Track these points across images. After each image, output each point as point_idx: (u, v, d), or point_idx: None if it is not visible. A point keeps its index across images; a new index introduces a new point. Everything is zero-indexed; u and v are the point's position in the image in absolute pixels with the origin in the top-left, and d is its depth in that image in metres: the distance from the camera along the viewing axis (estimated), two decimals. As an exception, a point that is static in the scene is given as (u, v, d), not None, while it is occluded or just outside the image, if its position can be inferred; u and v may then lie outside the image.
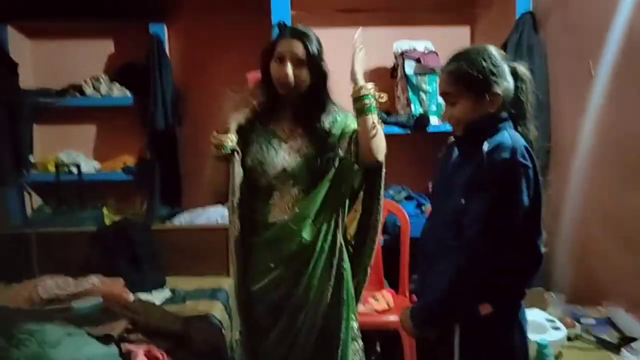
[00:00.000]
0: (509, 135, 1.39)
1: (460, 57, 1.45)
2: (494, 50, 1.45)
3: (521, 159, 1.35)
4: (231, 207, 1.76)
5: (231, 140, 1.72)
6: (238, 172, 1.74)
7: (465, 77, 1.42)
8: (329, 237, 1.74)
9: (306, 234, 1.71)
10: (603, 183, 2.31)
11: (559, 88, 2.65)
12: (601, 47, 2.25)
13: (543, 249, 1.44)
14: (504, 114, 1.45)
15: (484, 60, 1.41)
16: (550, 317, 2.07)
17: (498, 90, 1.40)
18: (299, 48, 1.68)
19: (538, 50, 2.71)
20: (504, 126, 1.43)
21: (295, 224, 1.71)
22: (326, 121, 1.77)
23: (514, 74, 1.45)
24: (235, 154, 1.73)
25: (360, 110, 1.66)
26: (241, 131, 1.77)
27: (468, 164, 1.43)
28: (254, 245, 1.78)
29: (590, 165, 2.38)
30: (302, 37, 1.69)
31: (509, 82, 1.43)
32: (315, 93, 1.74)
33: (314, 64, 1.70)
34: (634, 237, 2.11)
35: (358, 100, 1.67)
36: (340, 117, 1.79)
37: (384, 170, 1.78)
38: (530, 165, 1.36)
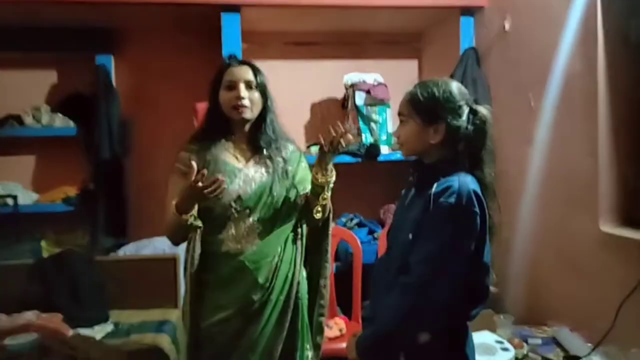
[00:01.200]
0: (457, 179, 1.38)
1: (420, 84, 1.48)
2: (454, 87, 1.45)
3: (466, 205, 1.34)
4: (188, 277, 1.70)
5: (194, 218, 1.62)
6: (198, 247, 1.68)
7: (416, 102, 1.45)
8: (289, 277, 1.73)
9: (261, 277, 1.68)
10: (548, 210, 2.40)
11: (502, 119, 2.76)
12: (540, 81, 2.39)
13: (491, 284, 1.45)
14: (462, 157, 1.44)
15: (437, 91, 1.43)
16: (499, 339, 2.12)
17: (443, 124, 1.42)
18: (249, 73, 1.73)
19: (481, 83, 2.85)
20: (460, 168, 1.43)
21: (252, 262, 1.68)
22: (281, 148, 1.79)
23: (473, 115, 1.45)
24: (198, 230, 1.66)
25: (320, 192, 1.75)
26: (197, 160, 1.71)
27: (418, 202, 1.44)
28: (206, 281, 1.72)
29: (536, 193, 2.47)
30: (250, 64, 1.76)
31: (460, 121, 1.42)
32: (265, 119, 1.77)
33: (263, 89, 1.75)
34: (577, 260, 2.20)
35: (321, 186, 1.74)
36: (293, 151, 1.83)
37: (331, 226, 1.85)
38: (476, 210, 1.35)
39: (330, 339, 2.50)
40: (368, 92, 3.08)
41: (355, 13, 3.00)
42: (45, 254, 2.96)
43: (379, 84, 3.14)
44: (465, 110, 1.44)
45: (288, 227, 1.77)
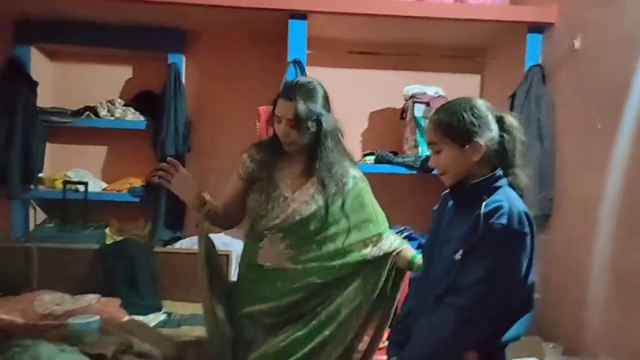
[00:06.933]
0: (505, 198, 1.39)
1: (443, 108, 1.49)
2: (477, 102, 1.47)
3: (517, 226, 1.35)
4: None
5: (202, 221, 1.84)
6: (203, 253, 1.86)
7: (446, 127, 1.44)
8: (341, 314, 1.80)
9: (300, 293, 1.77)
10: (605, 236, 2.31)
11: (565, 139, 2.69)
12: (610, 102, 2.30)
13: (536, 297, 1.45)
14: (499, 172, 1.45)
15: (465, 111, 1.43)
16: (547, 368, 2.06)
17: (479, 140, 1.41)
18: (290, 110, 1.71)
19: (546, 101, 2.78)
20: (501, 183, 1.44)
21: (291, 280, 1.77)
22: (339, 175, 1.78)
23: (501, 123, 1.46)
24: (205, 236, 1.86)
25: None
26: (253, 173, 1.82)
27: (463, 220, 1.44)
28: (253, 272, 1.83)
29: (593, 217, 2.38)
30: (294, 99, 1.71)
31: (492, 132, 1.44)
32: (320, 147, 1.75)
33: (303, 124, 1.72)
34: (632, 292, 2.11)
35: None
36: (353, 177, 1.82)
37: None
38: (527, 231, 1.36)
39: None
40: (427, 104, 3.06)
41: (421, 25, 3.00)
42: (108, 241, 3.12)
43: (439, 96, 3.11)
44: (492, 120, 1.45)
45: (333, 258, 1.77)
